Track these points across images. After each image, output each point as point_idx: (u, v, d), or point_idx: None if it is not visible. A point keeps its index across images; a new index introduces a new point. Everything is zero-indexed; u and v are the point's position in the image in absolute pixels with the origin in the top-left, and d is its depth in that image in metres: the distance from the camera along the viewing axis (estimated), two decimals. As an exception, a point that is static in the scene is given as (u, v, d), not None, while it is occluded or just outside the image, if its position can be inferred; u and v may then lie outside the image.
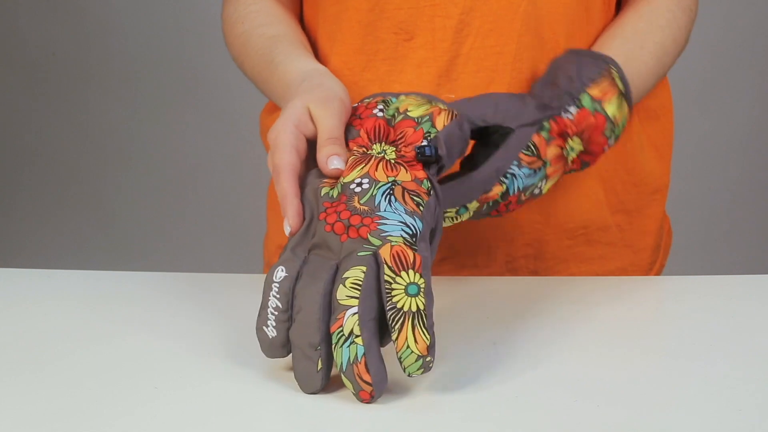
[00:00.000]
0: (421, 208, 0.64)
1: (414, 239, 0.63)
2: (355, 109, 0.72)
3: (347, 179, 0.66)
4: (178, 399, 0.62)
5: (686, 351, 0.68)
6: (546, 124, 0.75)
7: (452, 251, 0.87)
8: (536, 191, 0.76)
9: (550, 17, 0.82)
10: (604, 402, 0.61)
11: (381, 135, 0.69)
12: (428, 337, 0.60)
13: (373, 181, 0.65)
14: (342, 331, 0.60)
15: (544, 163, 0.75)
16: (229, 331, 0.72)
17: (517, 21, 0.82)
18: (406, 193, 0.65)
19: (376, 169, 0.66)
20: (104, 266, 0.90)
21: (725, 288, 0.81)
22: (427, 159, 0.67)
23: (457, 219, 0.74)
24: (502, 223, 0.86)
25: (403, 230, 0.63)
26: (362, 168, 0.66)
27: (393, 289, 0.61)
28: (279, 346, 0.63)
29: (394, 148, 0.68)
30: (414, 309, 0.60)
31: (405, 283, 0.61)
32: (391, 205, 0.64)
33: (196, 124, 2.36)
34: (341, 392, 0.62)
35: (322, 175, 0.68)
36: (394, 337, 0.60)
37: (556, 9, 0.83)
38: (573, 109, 0.75)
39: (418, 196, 0.65)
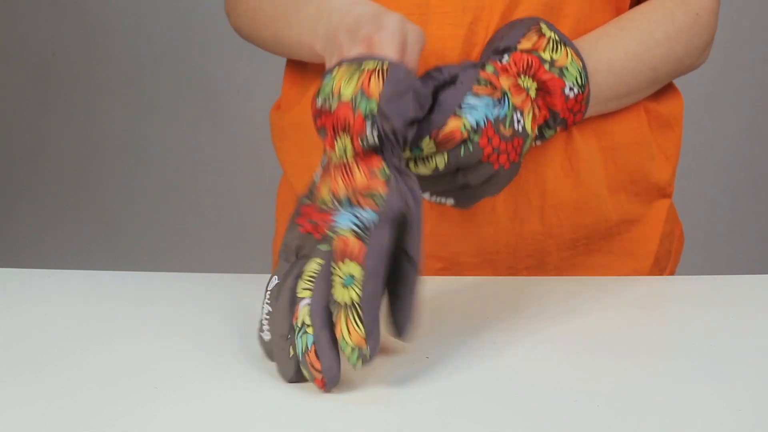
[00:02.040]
0: (376, 200, 0.64)
1: (364, 231, 0.62)
2: (311, 106, 0.70)
3: (322, 196, 0.67)
4: (178, 399, 0.62)
5: (686, 351, 0.68)
6: (489, 66, 0.76)
7: (454, 262, 0.87)
8: (517, 126, 0.73)
9: (557, 24, 0.83)
10: (604, 402, 0.61)
11: (337, 128, 0.67)
12: (361, 329, 0.60)
13: (339, 199, 0.65)
14: (297, 322, 0.62)
15: (504, 93, 0.74)
16: (229, 331, 0.72)
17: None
18: (360, 198, 0.64)
19: (338, 184, 0.66)
20: (104, 266, 0.90)
21: (725, 288, 0.81)
22: (373, 147, 0.66)
23: (419, 165, 0.73)
24: (504, 235, 0.86)
25: (351, 221, 0.63)
26: (328, 184, 0.66)
27: (334, 281, 0.62)
28: (269, 349, 0.65)
29: (350, 141, 0.66)
30: (347, 301, 0.61)
31: (344, 274, 0.61)
32: (346, 206, 0.65)
33: (196, 123, 2.36)
34: (342, 392, 0.62)
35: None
36: (335, 329, 0.61)
37: (564, 17, 0.83)
38: (506, 56, 0.77)
39: (372, 194, 0.64)
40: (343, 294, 0.61)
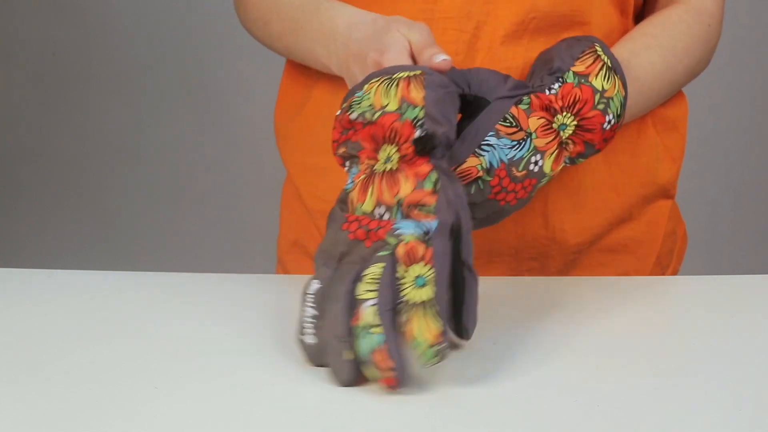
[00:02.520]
0: (425, 211, 0.65)
1: (427, 236, 0.64)
2: (339, 121, 0.71)
3: (366, 208, 0.67)
4: (178, 399, 0.62)
5: (686, 351, 0.68)
6: (526, 98, 0.73)
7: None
8: (533, 167, 0.72)
9: (568, 33, 0.83)
10: (603, 402, 0.61)
11: (377, 138, 0.68)
12: (439, 324, 0.61)
13: (388, 207, 0.66)
14: (360, 323, 0.61)
15: (528, 134, 0.72)
16: (229, 331, 0.72)
17: (526, 36, 0.82)
18: (411, 209, 0.65)
19: (382, 193, 0.66)
20: (104, 266, 0.90)
21: (725, 288, 0.81)
22: (424, 147, 0.67)
23: None
24: (507, 238, 0.86)
25: (415, 229, 0.64)
26: (372, 192, 0.67)
27: (403, 284, 0.62)
28: (321, 351, 0.65)
29: (395, 148, 0.68)
30: (421, 300, 0.61)
31: (413, 276, 0.62)
32: (405, 218, 0.65)
33: (196, 123, 2.35)
34: (342, 393, 0.62)
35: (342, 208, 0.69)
36: (406, 329, 0.61)
37: (578, 24, 0.83)
38: (556, 85, 0.75)
39: (423, 205, 0.65)
40: (416, 294, 0.61)
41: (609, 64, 0.76)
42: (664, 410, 0.60)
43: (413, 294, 0.62)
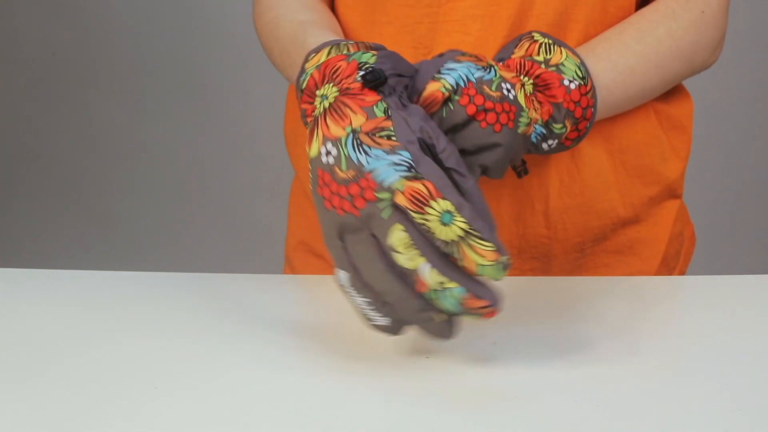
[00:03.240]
0: (393, 138, 0.63)
1: (412, 170, 0.61)
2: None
3: (312, 155, 0.64)
4: (178, 399, 0.62)
5: (686, 351, 0.68)
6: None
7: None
8: (507, 93, 0.69)
9: (566, 30, 0.83)
10: (603, 402, 0.61)
11: (315, 87, 0.68)
12: (489, 244, 0.59)
13: (335, 141, 0.63)
14: (431, 289, 0.60)
15: (491, 65, 0.70)
16: (230, 331, 0.72)
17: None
18: (370, 137, 0.63)
19: (328, 128, 0.64)
20: (104, 266, 0.90)
21: (725, 288, 0.81)
22: (376, 81, 0.65)
23: None
24: (509, 237, 0.86)
25: (397, 170, 0.61)
26: (317, 134, 0.64)
27: (431, 228, 0.60)
28: (398, 324, 0.64)
29: (334, 85, 0.66)
30: (459, 234, 0.59)
31: (437, 216, 0.60)
32: (369, 155, 0.62)
33: (197, 123, 2.36)
34: (342, 392, 0.62)
35: None
36: (462, 263, 0.60)
37: (575, 22, 0.83)
38: (501, 63, 0.76)
39: (382, 129, 0.63)
40: (449, 232, 0.60)
41: (549, 41, 0.76)
42: (664, 410, 0.60)
43: (446, 233, 0.60)
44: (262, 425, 0.59)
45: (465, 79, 0.68)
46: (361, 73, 0.66)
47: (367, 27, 0.85)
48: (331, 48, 0.70)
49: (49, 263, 1.01)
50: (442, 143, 0.64)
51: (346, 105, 0.64)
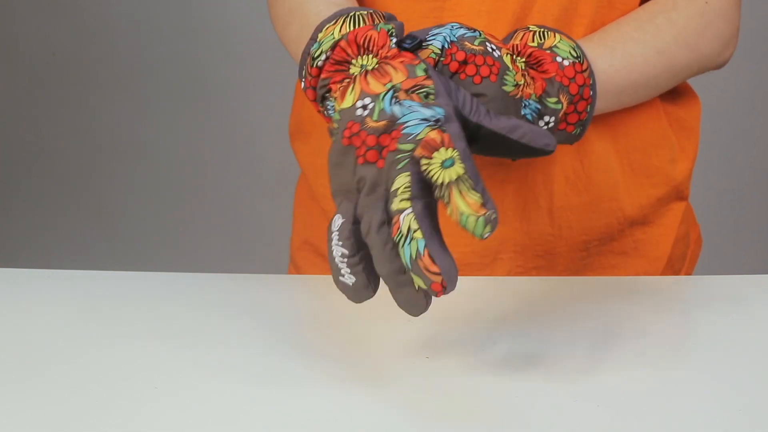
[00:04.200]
0: (431, 96, 0.63)
1: (439, 124, 0.62)
2: (307, 81, 0.71)
3: (345, 105, 0.64)
4: (178, 399, 0.62)
5: (686, 350, 0.68)
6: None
7: (463, 263, 0.87)
8: (491, 50, 0.70)
9: (572, 26, 0.83)
10: (603, 402, 0.61)
11: (345, 58, 0.68)
12: (477, 195, 0.59)
13: (373, 96, 0.64)
14: (400, 232, 0.59)
15: (479, 32, 0.71)
16: (229, 331, 0.72)
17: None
18: (408, 94, 0.63)
19: (368, 84, 0.65)
20: (104, 266, 0.90)
21: (730, 288, 0.81)
22: (414, 45, 0.67)
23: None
24: (513, 234, 0.86)
25: (425, 125, 0.61)
26: (353, 89, 0.65)
27: (431, 172, 0.60)
28: (362, 288, 0.62)
29: (371, 55, 0.67)
30: (454, 177, 0.59)
31: (440, 161, 0.60)
32: (403, 107, 0.63)
33: (197, 123, 2.35)
34: (342, 392, 0.62)
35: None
36: (448, 211, 0.59)
37: (580, 17, 0.83)
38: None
39: (421, 87, 0.64)
40: (446, 174, 0.59)
41: (543, 30, 0.75)
42: (663, 409, 0.60)
43: (444, 175, 0.59)
44: (263, 425, 0.59)
45: (448, 40, 0.69)
46: (395, 39, 0.68)
47: None
48: (346, 18, 0.70)
49: (49, 263, 1.01)
50: (472, 111, 0.65)
51: (388, 64, 0.65)
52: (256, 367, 0.66)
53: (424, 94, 0.63)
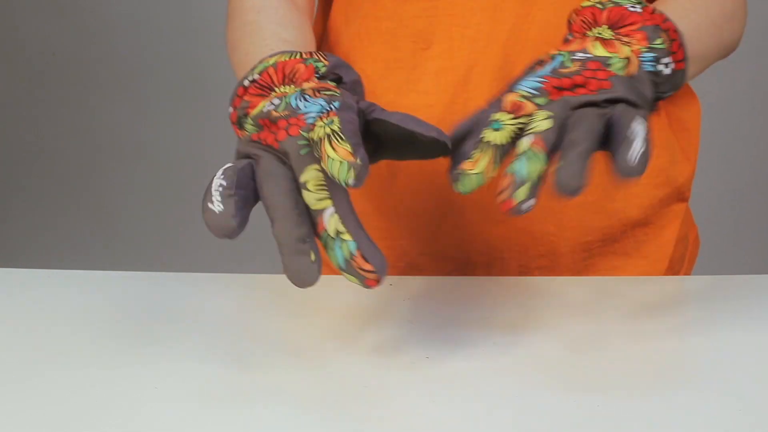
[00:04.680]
0: (336, 94, 0.65)
1: (330, 105, 0.64)
2: (232, 100, 0.71)
3: (255, 112, 0.66)
4: (178, 399, 0.62)
5: (686, 350, 0.68)
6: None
7: (466, 262, 0.87)
8: (586, 59, 0.68)
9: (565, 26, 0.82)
10: (603, 402, 0.61)
11: (269, 85, 0.68)
12: (347, 144, 0.60)
13: (281, 97, 0.65)
14: (327, 233, 0.61)
15: (552, 55, 0.68)
16: (229, 331, 0.72)
17: (534, 30, 0.82)
18: (316, 92, 0.65)
19: (281, 89, 0.67)
20: (104, 266, 0.90)
21: (725, 288, 0.81)
22: (334, 79, 0.68)
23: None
24: (515, 234, 0.86)
25: (320, 107, 0.64)
26: (268, 97, 0.67)
27: (311, 135, 0.62)
28: (229, 217, 0.62)
29: (293, 86, 0.68)
30: (329, 131, 0.61)
31: (322, 126, 0.62)
32: (307, 101, 0.64)
33: (197, 123, 2.36)
34: (342, 392, 0.62)
35: None
36: (321, 164, 0.61)
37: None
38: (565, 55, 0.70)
39: (328, 90, 0.66)
40: (321, 131, 0.61)
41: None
42: (663, 409, 0.60)
43: (316, 132, 0.61)
44: (263, 425, 0.59)
45: (539, 82, 0.66)
46: (319, 75, 0.68)
47: (366, 22, 0.85)
48: (285, 53, 0.70)
49: (49, 263, 1.01)
50: (375, 107, 0.66)
51: (311, 92, 0.66)
52: (256, 367, 0.66)
53: (330, 95, 0.65)
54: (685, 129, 0.90)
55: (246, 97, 0.69)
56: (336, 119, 0.62)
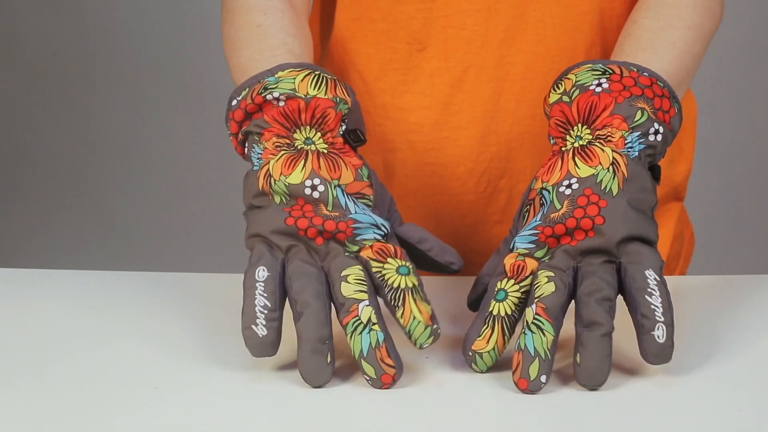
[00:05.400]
0: (367, 202, 0.68)
1: (385, 237, 0.66)
2: (242, 107, 0.70)
3: (292, 180, 0.67)
4: (178, 399, 0.62)
5: (686, 350, 0.68)
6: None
7: (464, 262, 0.87)
8: (573, 207, 0.66)
9: (576, 23, 0.82)
10: (603, 402, 0.61)
11: (296, 119, 0.69)
12: (429, 306, 0.64)
13: (325, 182, 0.67)
14: (359, 320, 0.62)
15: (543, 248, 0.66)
16: (229, 331, 0.72)
17: (528, 31, 0.82)
18: (352, 197, 0.68)
19: (320, 167, 0.67)
20: (104, 266, 0.90)
21: (725, 288, 0.81)
22: (354, 140, 0.70)
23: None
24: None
25: (374, 233, 0.66)
26: (304, 166, 0.67)
27: (385, 275, 0.64)
28: (269, 345, 0.64)
29: (320, 134, 0.69)
30: (410, 285, 0.64)
31: (395, 267, 0.65)
32: (357, 206, 0.67)
33: (197, 123, 2.35)
34: (342, 392, 0.62)
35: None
36: (399, 314, 0.63)
37: (584, 14, 0.82)
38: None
39: (363, 196, 0.68)
40: (402, 280, 0.64)
41: (552, 92, 0.70)
42: (663, 409, 0.60)
43: (401, 280, 0.64)
44: (262, 425, 0.59)
45: (534, 235, 0.66)
46: (344, 127, 0.69)
47: (361, 24, 0.85)
48: (312, 73, 0.70)
49: (48, 263, 1.01)
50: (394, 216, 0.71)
51: (339, 158, 0.68)
52: (256, 367, 0.66)
53: (365, 202, 0.68)
54: (681, 129, 0.90)
55: (265, 117, 0.69)
56: (411, 268, 0.65)
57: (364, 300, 0.63)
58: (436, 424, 0.59)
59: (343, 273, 0.64)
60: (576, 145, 0.68)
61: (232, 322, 0.74)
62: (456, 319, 0.74)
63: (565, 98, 0.69)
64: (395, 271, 0.64)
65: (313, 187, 0.66)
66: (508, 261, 0.66)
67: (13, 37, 2.37)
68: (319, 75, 0.70)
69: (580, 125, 0.68)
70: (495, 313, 0.64)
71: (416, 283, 0.64)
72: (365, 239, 0.66)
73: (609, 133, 0.67)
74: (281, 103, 0.69)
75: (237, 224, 2.65)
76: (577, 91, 0.69)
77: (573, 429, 0.58)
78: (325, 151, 0.68)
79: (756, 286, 0.81)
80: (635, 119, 0.67)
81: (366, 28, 0.85)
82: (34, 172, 2.45)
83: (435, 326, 0.63)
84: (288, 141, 0.68)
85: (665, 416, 0.59)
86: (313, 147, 0.68)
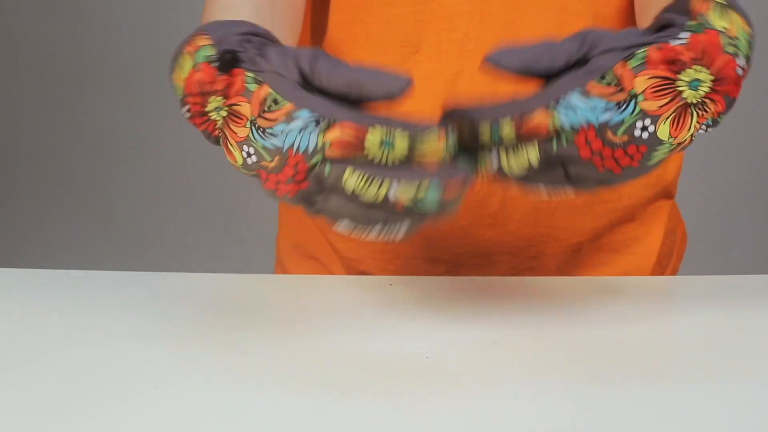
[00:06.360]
0: (280, 103, 0.60)
1: (321, 122, 0.58)
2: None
3: (239, 162, 0.63)
4: (178, 399, 0.62)
5: (685, 351, 0.68)
6: (640, 52, 0.59)
7: (457, 264, 0.87)
8: (641, 133, 0.60)
9: (574, 26, 0.82)
10: (603, 402, 0.61)
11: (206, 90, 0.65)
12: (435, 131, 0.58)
13: (246, 141, 0.61)
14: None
15: (633, 96, 0.59)
16: (229, 331, 0.72)
17: (522, 34, 0.82)
18: (263, 118, 0.60)
19: (235, 132, 0.62)
20: (104, 266, 0.90)
21: (725, 288, 0.81)
22: (223, 61, 0.64)
23: (510, 158, 0.61)
24: (507, 237, 0.86)
25: (309, 133, 0.59)
26: (231, 143, 0.63)
27: (376, 158, 0.58)
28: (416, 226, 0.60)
29: (219, 96, 0.64)
30: (404, 151, 0.58)
31: (377, 145, 0.57)
32: (276, 135, 0.60)
33: (196, 124, 2.36)
34: (341, 392, 0.62)
35: None
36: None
37: (578, 17, 0.82)
38: (684, 35, 0.60)
39: (265, 101, 0.61)
40: (394, 154, 0.57)
41: (721, 1, 0.62)
42: (663, 409, 0.60)
43: (393, 155, 0.57)
44: (263, 425, 0.59)
45: (586, 123, 0.59)
46: (216, 64, 0.64)
47: (353, 26, 0.85)
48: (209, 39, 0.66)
49: (49, 263, 1.01)
50: (316, 70, 0.61)
51: (235, 104, 0.62)
52: (256, 367, 0.66)
53: (272, 101, 0.60)
54: None
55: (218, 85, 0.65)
56: (384, 132, 0.57)
57: (388, 192, 0.57)
58: (435, 425, 0.59)
59: (348, 191, 0.58)
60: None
61: (231, 322, 0.74)
62: (456, 319, 0.74)
63: (724, 39, 0.62)
64: (381, 151, 0.57)
65: (249, 155, 0.61)
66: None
67: (13, 37, 2.37)
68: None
69: (700, 67, 0.61)
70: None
71: (407, 141, 0.57)
72: (314, 146, 0.58)
73: (708, 109, 0.63)
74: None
75: (237, 224, 2.66)
76: (732, 47, 0.62)
77: (573, 429, 0.58)
78: (226, 110, 0.63)
79: (751, 286, 0.81)
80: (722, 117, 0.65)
81: (359, 31, 0.85)
82: (33, 171, 2.45)
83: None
84: (206, 114, 0.65)
85: (664, 416, 0.59)
86: (222, 113, 0.64)
